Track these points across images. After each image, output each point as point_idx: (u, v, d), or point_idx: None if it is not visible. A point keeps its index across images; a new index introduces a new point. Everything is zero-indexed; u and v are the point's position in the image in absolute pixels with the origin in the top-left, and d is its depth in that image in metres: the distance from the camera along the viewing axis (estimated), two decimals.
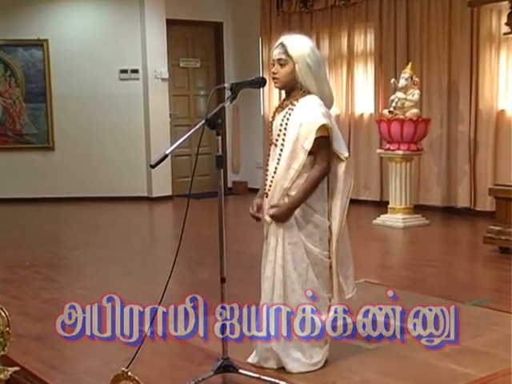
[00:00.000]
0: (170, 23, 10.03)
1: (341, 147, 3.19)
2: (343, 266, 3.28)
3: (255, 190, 9.93)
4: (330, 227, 3.22)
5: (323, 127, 3.10)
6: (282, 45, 3.18)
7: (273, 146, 3.27)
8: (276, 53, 3.20)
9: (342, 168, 3.19)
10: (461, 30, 7.95)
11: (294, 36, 3.24)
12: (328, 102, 3.26)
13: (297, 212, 3.16)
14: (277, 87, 3.27)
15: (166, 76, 10.03)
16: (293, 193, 3.16)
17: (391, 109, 7.50)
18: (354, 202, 8.12)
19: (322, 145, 3.12)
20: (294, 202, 3.12)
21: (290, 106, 3.21)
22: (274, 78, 3.22)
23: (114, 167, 9.95)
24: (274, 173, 3.20)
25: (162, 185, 9.97)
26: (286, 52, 3.16)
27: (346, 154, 3.20)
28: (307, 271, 3.19)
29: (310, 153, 3.12)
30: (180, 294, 4.89)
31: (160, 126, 9.94)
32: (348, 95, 9.24)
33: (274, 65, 3.22)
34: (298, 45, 3.17)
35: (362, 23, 9.04)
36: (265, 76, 3.03)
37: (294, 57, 3.15)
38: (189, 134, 3.02)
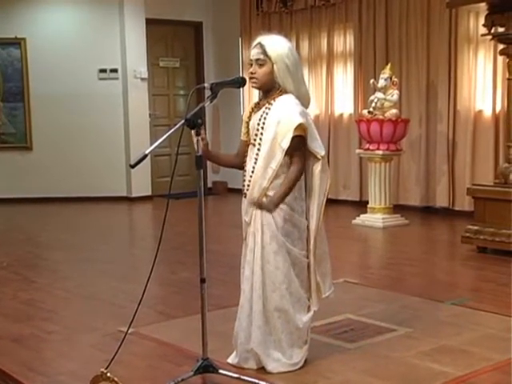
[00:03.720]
0: (149, 22, 9.99)
1: (317, 146, 3.19)
2: (321, 265, 3.29)
3: (235, 190, 9.91)
4: (307, 226, 3.23)
5: (300, 126, 3.10)
6: (260, 45, 3.17)
7: (250, 146, 3.27)
8: (254, 53, 3.19)
9: (318, 167, 3.20)
10: (439, 31, 7.99)
11: (272, 36, 3.23)
12: (305, 102, 3.26)
13: (275, 212, 3.16)
14: (254, 87, 3.26)
15: (146, 75, 9.99)
16: (271, 192, 3.16)
17: (371, 109, 7.52)
18: (333, 201, 8.27)
19: (298, 145, 3.13)
20: (280, 197, 3.14)
21: (267, 106, 3.21)
22: (251, 78, 3.20)
23: (93, 167, 9.89)
24: (252, 172, 3.20)
25: (141, 185, 9.93)
26: (264, 52, 3.15)
27: (323, 153, 3.20)
28: (290, 271, 3.20)
29: (286, 153, 3.12)
30: (160, 294, 4.88)
31: (139, 126, 9.90)
32: (328, 95, 9.26)
33: (251, 65, 3.21)
34: (276, 45, 3.17)
35: (341, 24, 9.07)
36: (245, 76, 3.02)
37: (273, 57, 3.14)
38: (168, 133, 3.01)
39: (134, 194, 9.91)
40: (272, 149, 3.13)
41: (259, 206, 3.16)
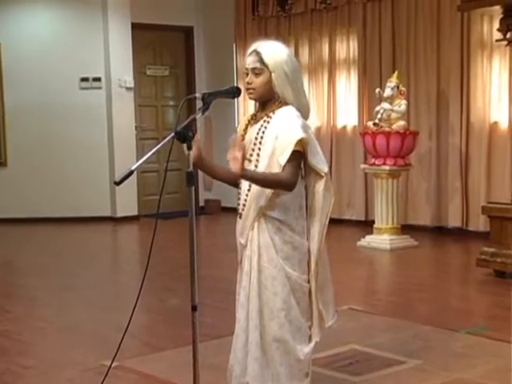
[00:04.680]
0: (135, 27, 10.05)
1: (319, 162, 3.18)
2: (323, 291, 3.28)
3: (229, 210, 9.92)
4: (308, 249, 3.23)
5: (300, 141, 3.10)
6: (256, 52, 3.17)
7: (246, 162, 3.26)
8: (250, 61, 3.18)
9: (321, 185, 3.19)
10: (450, 36, 8.06)
11: (269, 42, 3.23)
12: (305, 113, 3.26)
13: (273, 232, 3.16)
14: (252, 98, 3.26)
15: (132, 85, 10.04)
16: (269, 212, 3.16)
17: (376, 121, 7.56)
18: (336, 221, 8.28)
19: (295, 160, 3.11)
20: (253, 176, 3.08)
21: (265, 119, 3.20)
22: (248, 89, 3.20)
23: (73, 185, 9.90)
24: (248, 191, 3.19)
25: (127, 204, 9.94)
26: (261, 60, 3.16)
27: (326, 170, 3.20)
28: (289, 298, 3.19)
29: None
30: (147, 323, 4.87)
31: (125, 140, 9.93)
32: (330, 106, 9.31)
33: (247, 74, 3.20)
34: (273, 52, 3.17)
35: (344, 28, 9.14)
36: (240, 85, 3.04)
37: (271, 65, 3.15)
38: (157, 147, 3.00)
39: (119, 214, 9.92)
40: (270, 165, 3.13)
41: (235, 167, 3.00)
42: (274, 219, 3.16)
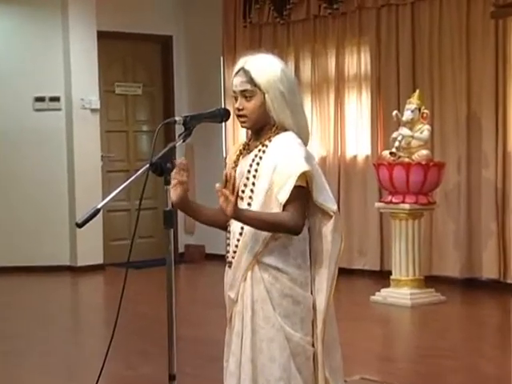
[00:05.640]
0: (102, 37, 10.10)
1: (326, 199, 3.19)
2: (330, 356, 3.26)
3: (215, 257, 9.86)
4: (313, 304, 3.22)
5: (304, 175, 3.10)
6: (245, 71, 3.17)
7: (238, 200, 3.27)
8: (238, 82, 3.18)
9: (329, 226, 3.19)
10: (483, 47, 8.11)
11: (257, 57, 3.23)
12: (305, 138, 3.26)
13: (270, 284, 3.16)
14: (245, 127, 3.26)
15: (97, 106, 10.07)
16: (265, 259, 3.15)
17: (393, 150, 7.58)
18: (345, 271, 8.23)
19: (299, 197, 3.12)
20: (249, 216, 3.09)
21: (259, 148, 3.20)
22: (239, 116, 3.20)
23: (26, 227, 9.87)
24: (240, 234, 3.19)
25: (90, 250, 9.92)
26: (250, 80, 3.15)
27: (334, 208, 3.19)
28: (289, 364, 3.18)
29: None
30: None
31: (88, 173, 9.94)
32: (337, 132, 9.34)
33: (236, 98, 3.20)
34: (265, 68, 3.18)
35: (354, 38, 9.20)
36: (228, 107, 3.07)
37: (263, 85, 3.14)
38: (128, 181, 3.00)
39: (81, 263, 9.88)
40: (267, 203, 3.13)
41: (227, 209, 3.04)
42: (271, 267, 3.15)
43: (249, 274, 3.19)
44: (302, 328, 3.20)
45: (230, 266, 3.26)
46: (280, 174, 3.11)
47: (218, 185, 3.09)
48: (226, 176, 3.09)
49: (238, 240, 3.20)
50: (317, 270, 3.23)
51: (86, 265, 9.87)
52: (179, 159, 3.15)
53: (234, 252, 3.22)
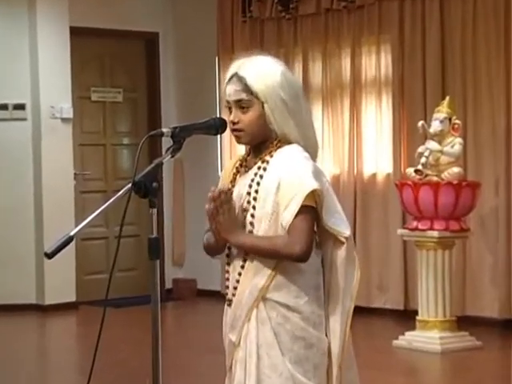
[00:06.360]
0: (75, 34, 10.12)
1: (338, 222, 3.18)
2: None
3: (209, 294, 9.85)
4: (328, 347, 3.20)
5: (312, 194, 3.09)
6: (238, 77, 3.17)
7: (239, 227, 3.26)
8: (231, 91, 3.19)
9: (341, 253, 3.18)
10: None
11: (252, 60, 3.23)
12: (313, 151, 3.26)
13: (278, 324, 3.14)
14: (241, 143, 3.28)
15: (70, 115, 10.09)
16: (272, 295, 3.14)
17: (419, 167, 7.58)
18: (363, 310, 8.22)
19: (306, 218, 3.10)
20: (247, 242, 3.14)
21: (259, 165, 3.21)
22: (234, 131, 3.20)
23: None
24: (242, 267, 3.19)
25: (60, 286, 9.91)
26: (246, 88, 3.15)
27: (347, 233, 3.18)
28: None
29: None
30: None
31: (59, 193, 9.94)
32: (352, 146, 9.35)
33: (230, 109, 3.21)
34: (262, 73, 3.17)
35: (372, 36, 9.23)
36: (224, 116, 3.04)
37: (261, 93, 3.14)
38: (106, 204, 2.99)
39: (49, 301, 9.88)
40: (273, 229, 3.13)
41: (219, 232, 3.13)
42: (279, 305, 3.15)
43: (253, 312, 3.18)
44: (315, 375, 3.19)
45: (229, 304, 3.26)
46: (285, 194, 3.11)
47: (207, 206, 3.12)
48: (213, 195, 3.12)
49: (240, 274, 3.20)
50: (330, 308, 3.23)
51: (55, 303, 9.86)
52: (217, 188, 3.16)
53: (235, 288, 3.22)
